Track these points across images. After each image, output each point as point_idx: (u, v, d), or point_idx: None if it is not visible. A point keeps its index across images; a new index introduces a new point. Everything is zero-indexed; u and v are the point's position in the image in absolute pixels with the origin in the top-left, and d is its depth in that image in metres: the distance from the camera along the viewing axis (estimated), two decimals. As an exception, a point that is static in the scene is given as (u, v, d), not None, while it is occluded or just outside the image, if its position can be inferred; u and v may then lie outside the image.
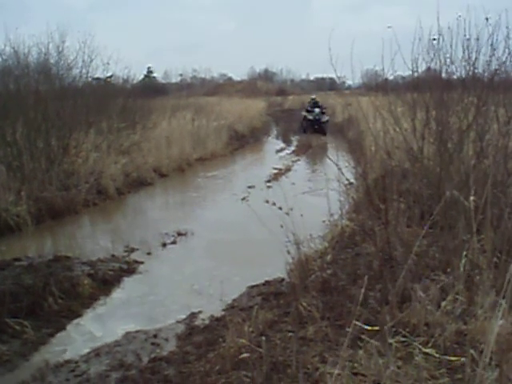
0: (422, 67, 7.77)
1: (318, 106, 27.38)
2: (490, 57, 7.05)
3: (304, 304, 4.76)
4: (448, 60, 7.44)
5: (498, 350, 3.17)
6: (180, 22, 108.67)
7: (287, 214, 6.00)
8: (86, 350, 5.04)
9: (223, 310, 5.72)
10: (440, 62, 7.51)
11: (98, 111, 14.38)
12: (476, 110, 7.00)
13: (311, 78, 69.11)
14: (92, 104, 14.08)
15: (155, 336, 5.31)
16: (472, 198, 4.46)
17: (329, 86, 51.44)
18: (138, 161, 14.62)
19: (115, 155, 13.88)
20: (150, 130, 16.71)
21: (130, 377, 4.39)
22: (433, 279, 4.75)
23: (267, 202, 7.18)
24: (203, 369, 4.05)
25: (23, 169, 10.81)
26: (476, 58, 7.18)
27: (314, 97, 29.08)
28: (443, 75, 7.67)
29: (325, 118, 26.90)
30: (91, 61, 13.79)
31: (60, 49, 13.15)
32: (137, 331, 5.46)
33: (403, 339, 3.93)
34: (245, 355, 3.77)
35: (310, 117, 26.87)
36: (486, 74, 7.30)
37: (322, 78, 60.45)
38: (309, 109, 27.52)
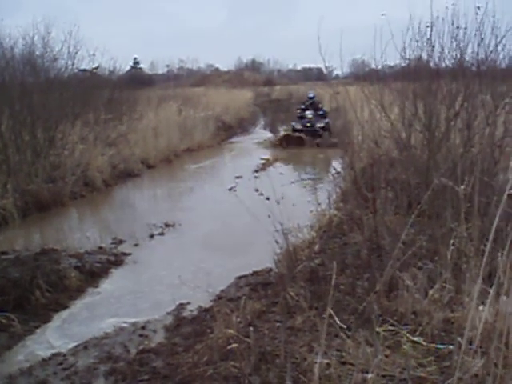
0: (411, 56, 7.78)
1: (317, 108, 19.99)
2: (478, 46, 7.06)
3: (292, 294, 4.76)
4: (436, 49, 7.45)
5: (485, 338, 3.18)
6: (167, 13, 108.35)
7: (278, 203, 5.98)
8: (74, 343, 5.02)
9: (211, 300, 5.70)
10: (429, 51, 7.52)
11: (85, 103, 14.24)
12: (463, 99, 7.01)
13: (298, 68, 69.01)
14: (78, 95, 13.93)
15: (143, 328, 5.30)
16: (462, 186, 4.46)
17: (316, 76, 51.38)
18: (124, 152, 14.56)
19: (102, 147, 13.80)
20: (137, 121, 16.60)
21: (118, 369, 4.37)
22: (420, 267, 4.76)
23: (257, 190, 7.17)
24: (191, 360, 4.04)
25: (9, 161, 10.72)
26: (464, 47, 7.19)
27: (311, 95, 20.75)
28: (432, 64, 7.68)
29: (321, 123, 19.15)
30: (77, 52, 13.65)
31: (45, 40, 13.01)
32: (125, 323, 5.44)
33: (391, 328, 3.94)
34: (233, 346, 3.76)
35: (299, 126, 19.29)
36: (473, 63, 7.32)
37: (310, 69, 60.47)
38: (298, 113, 20.03)
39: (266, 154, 16.86)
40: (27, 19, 36.69)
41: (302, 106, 20.18)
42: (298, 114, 19.78)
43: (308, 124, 18.85)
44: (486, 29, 6.90)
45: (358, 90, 8.75)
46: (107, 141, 14.45)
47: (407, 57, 7.72)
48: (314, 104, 20.00)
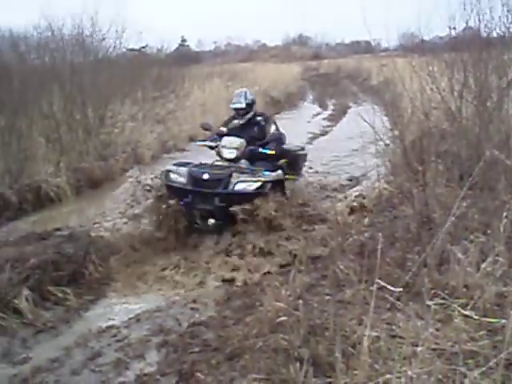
0: (460, 26, 7.57)
1: (250, 120, 7.78)
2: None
3: (341, 267, 4.75)
4: (487, 17, 7.22)
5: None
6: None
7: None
8: (127, 316, 5.13)
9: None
10: (478, 19, 7.29)
11: (133, 81, 14.43)
12: (516, 67, 6.80)
13: (346, 41, 67.93)
14: (127, 74, 14.11)
15: (194, 301, 5.39)
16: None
17: (364, 49, 50.56)
18: (173, 129, 14.68)
19: (151, 124, 13.99)
20: (185, 98, 16.71)
21: (169, 341, 4.47)
22: (472, 241, 4.67)
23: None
24: (241, 332, 4.09)
25: (61, 141, 10.96)
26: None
27: (241, 90, 8.14)
28: (482, 33, 7.45)
29: (250, 186, 6.56)
30: (124, 31, 13.80)
31: (94, 20, 13.17)
32: (177, 296, 5.55)
33: (442, 301, 3.89)
34: (282, 318, 3.79)
35: (180, 178, 6.80)
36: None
37: (358, 42, 59.37)
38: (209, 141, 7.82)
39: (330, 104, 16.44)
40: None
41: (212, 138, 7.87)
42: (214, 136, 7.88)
43: (205, 177, 6.64)
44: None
45: (407, 63, 8.59)
46: (156, 118, 14.63)
47: (456, 26, 7.52)
48: (244, 110, 7.77)
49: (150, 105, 14.56)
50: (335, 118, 19.72)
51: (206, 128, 8.26)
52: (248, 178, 6.61)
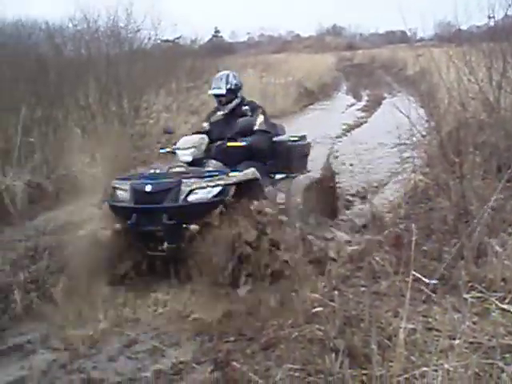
0: (499, 15, 7.45)
1: (234, 110, 6.28)
2: None
3: (377, 259, 4.73)
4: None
5: None
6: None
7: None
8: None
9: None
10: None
11: (167, 72, 14.51)
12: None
13: (381, 31, 67.30)
14: (161, 65, 14.20)
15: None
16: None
17: (400, 39, 49.97)
18: (207, 120, 14.72)
19: (185, 115, 14.04)
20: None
21: (204, 330, 4.45)
22: (510, 233, 4.61)
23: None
24: (276, 322, 4.10)
25: (97, 131, 11.09)
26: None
27: (223, 72, 6.50)
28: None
29: (207, 194, 5.12)
30: (159, 23, 13.88)
31: (129, 11, 13.29)
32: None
33: (479, 295, 3.85)
34: (318, 309, 3.80)
35: (126, 195, 5.34)
36: None
37: (392, 32, 58.78)
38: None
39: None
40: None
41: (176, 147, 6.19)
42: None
43: (147, 189, 5.19)
44: None
45: (443, 52, 8.48)
46: (190, 109, 14.68)
47: (495, 15, 7.40)
48: (231, 109, 6.33)
49: (184, 96, 14.64)
50: (370, 109, 19.56)
51: (167, 131, 7.27)
52: (204, 184, 5.09)
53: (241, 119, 6.05)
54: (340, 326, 3.60)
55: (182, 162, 5.84)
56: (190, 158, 5.81)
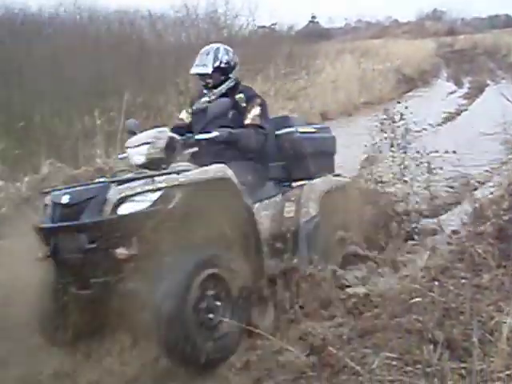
0: None
1: (224, 96, 4.59)
2: None
3: (479, 251, 4.59)
4: None
5: None
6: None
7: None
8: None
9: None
10: None
11: (265, 58, 14.58)
12: None
13: (483, 16, 64.63)
14: (258, 51, 14.30)
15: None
16: None
17: (504, 23, 47.96)
18: (304, 106, 14.73)
19: (282, 101, 14.08)
20: (316, 74, 16.70)
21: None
22: None
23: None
24: (373, 311, 4.08)
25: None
26: None
27: (210, 46, 4.78)
28: None
29: (141, 203, 3.54)
30: (256, 9, 13.98)
31: (227, -2, 13.46)
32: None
33: None
34: (416, 300, 3.74)
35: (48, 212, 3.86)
36: None
37: (496, 16, 56.49)
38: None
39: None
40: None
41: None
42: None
43: (64, 201, 3.69)
44: None
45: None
46: (287, 95, 14.72)
47: None
48: (219, 95, 4.65)
49: (281, 81, 14.68)
50: (471, 97, 18.99)
51: (131, 130, 4.52)
52: (139, 189, 3.59)
53: (212, 104, 4.51)
54: (439, 318, 3.53)
55: (134, 164, 4.21)
56: (141, 159, 4.08)
